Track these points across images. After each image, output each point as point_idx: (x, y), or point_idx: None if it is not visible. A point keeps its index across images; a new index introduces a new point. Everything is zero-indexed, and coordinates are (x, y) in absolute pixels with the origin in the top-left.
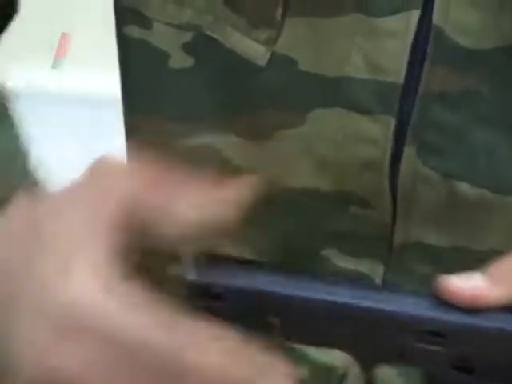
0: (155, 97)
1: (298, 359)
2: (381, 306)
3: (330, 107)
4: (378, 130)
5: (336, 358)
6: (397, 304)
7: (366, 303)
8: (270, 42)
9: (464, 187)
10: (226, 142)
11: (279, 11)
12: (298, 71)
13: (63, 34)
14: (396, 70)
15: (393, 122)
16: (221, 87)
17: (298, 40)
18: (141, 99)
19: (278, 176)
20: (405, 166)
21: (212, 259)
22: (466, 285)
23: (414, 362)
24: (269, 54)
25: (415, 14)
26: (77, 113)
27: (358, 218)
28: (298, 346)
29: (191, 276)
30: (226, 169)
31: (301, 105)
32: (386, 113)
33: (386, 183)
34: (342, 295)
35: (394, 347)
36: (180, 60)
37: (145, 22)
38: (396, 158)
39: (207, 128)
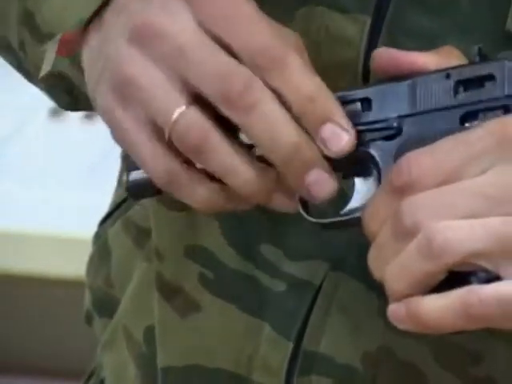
0: None
1: (275, 273)
2: None
3: (315, 5)
4: (355, 29)
5: (310, 272)
6: None
7: None
8: None
9: None
10: None
11: None
12: None
13: None
14: None
15: (368, 21)
16: None
17: None
18: None
19: None
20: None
21: None
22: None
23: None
24: None
25: None
26: None
27: None
28: (274, 262)
29: None
30: None
31: (290, 1)
32: (362, 11)
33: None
34: None
35: None
36: None
37: None
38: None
39: None
